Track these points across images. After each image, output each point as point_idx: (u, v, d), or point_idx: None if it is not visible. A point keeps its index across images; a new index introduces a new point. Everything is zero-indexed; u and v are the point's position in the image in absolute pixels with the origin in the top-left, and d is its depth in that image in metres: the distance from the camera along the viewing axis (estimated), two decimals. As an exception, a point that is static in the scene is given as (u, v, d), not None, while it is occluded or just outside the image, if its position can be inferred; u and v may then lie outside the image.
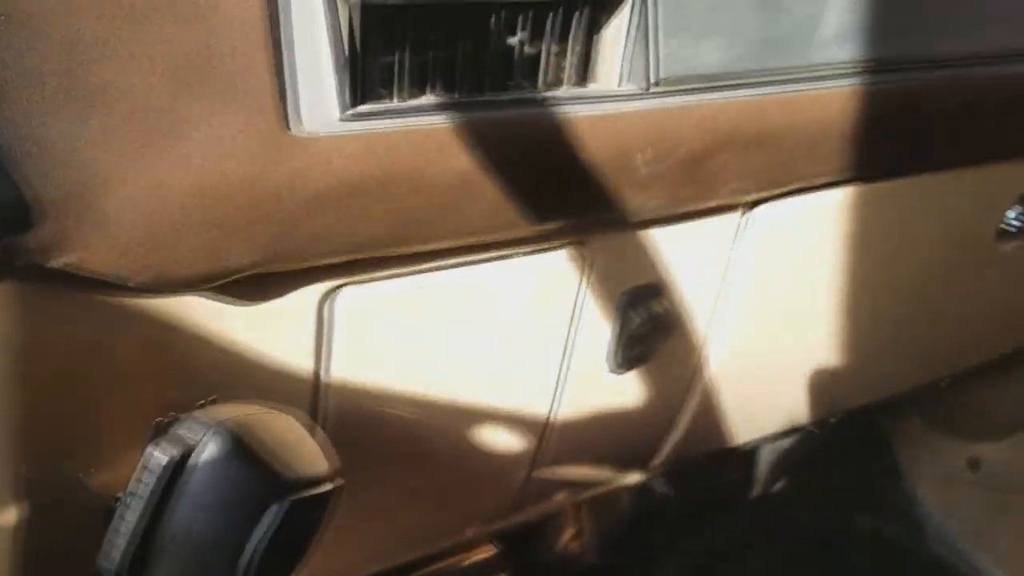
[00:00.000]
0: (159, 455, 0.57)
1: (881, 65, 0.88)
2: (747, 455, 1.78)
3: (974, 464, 1.83)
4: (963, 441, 1.84)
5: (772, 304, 1.08)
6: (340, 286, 0.77)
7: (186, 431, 0.60)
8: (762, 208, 0.96)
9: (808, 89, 0.85)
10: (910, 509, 1.88)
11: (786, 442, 1.83)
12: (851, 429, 1.92)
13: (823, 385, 1.29)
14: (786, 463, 1.83)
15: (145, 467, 0.58)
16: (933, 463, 1.87)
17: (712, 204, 0.89)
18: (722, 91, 0.80)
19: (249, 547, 0.57)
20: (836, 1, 0.84)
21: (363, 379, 0.84)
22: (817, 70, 0.85)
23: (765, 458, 1.80)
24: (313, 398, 0.82)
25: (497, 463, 1.04)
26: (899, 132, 0.94)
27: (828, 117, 0.87)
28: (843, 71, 0.86)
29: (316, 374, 0.81)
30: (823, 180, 0.96)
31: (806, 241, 1.04)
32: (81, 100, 0.54)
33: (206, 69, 0.58)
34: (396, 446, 0.93)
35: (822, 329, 1.18)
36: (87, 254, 0.57)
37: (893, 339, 1.31)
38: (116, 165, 0.56)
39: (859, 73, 0.87)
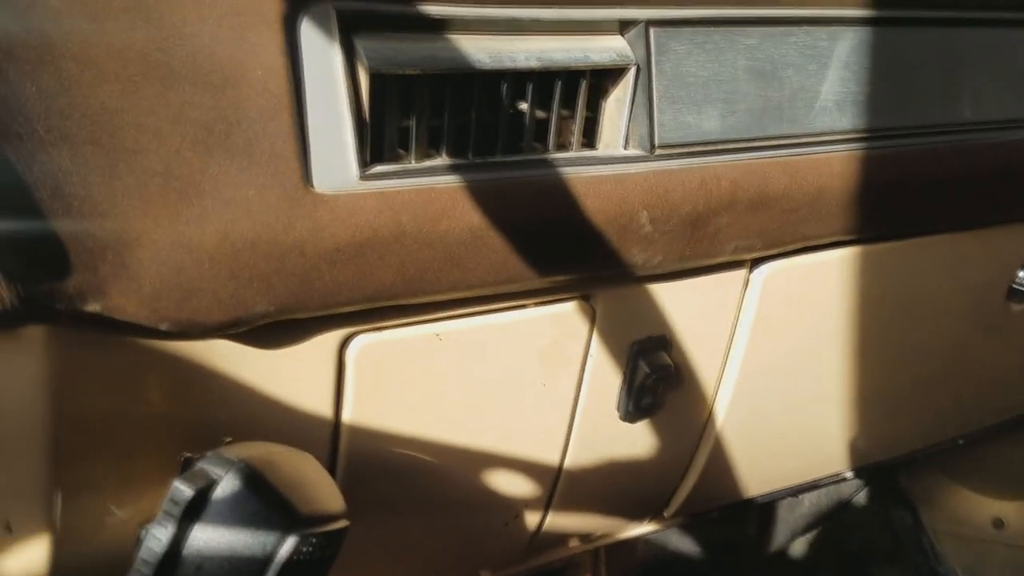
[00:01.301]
0: (184, 488, 0.62)
1: (880, 131, 0.92)
2: (764, 509, 1.78)
3: (999, 523, 1.81)
4: (987, 499, 1.82)
5: (781, 358, 1.10)
6: (356, 333, 0.81)
7: (210, 466, 0.64)
8: (769, 265, 0.99)
9: (808, 153, 0.89)
10: (934, 567, 1.86)
11: (805, 497, 1.82)
12: (873, 485, 1.91)
13: (836, 440, 1.30)
14: (805, 518, 1.82)
15: (171, 499, 0.62)
16: (957, 521, 1.85)
17: (718, 261, 0.92)
18: (723, 155, 0.85)
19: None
20: (834, 71, 0.88)
21: (377, 423, 0.88)
22: (816, 136, 0.89)
23: (783, 513, 1.80)
24: (330, 441, 0.85)
25: (509, 510, 1.07)
26: (900, 195, 0.97)
27: (828, 180, 0.90)
28: (842, 137, 0.90)
29: (333, 418, 0.84)
30: (827, 239, 0.98)
31: (813, 297, 1.06)
32: (112, 163, 0.59)
33: (232, 133, 0.64)
34: (409, 490, 0.96)
35: (832, 384, 1.19)
36: (118, 302, 0.62)
37: (906, 396, 1.31)
38: (145, 222, 0.61)
39: (858, 139, 0.91)
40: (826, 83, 0.88)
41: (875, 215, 0.97)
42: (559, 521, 1.13)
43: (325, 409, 0.83)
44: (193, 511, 0.62)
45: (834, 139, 0.90)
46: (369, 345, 0.82)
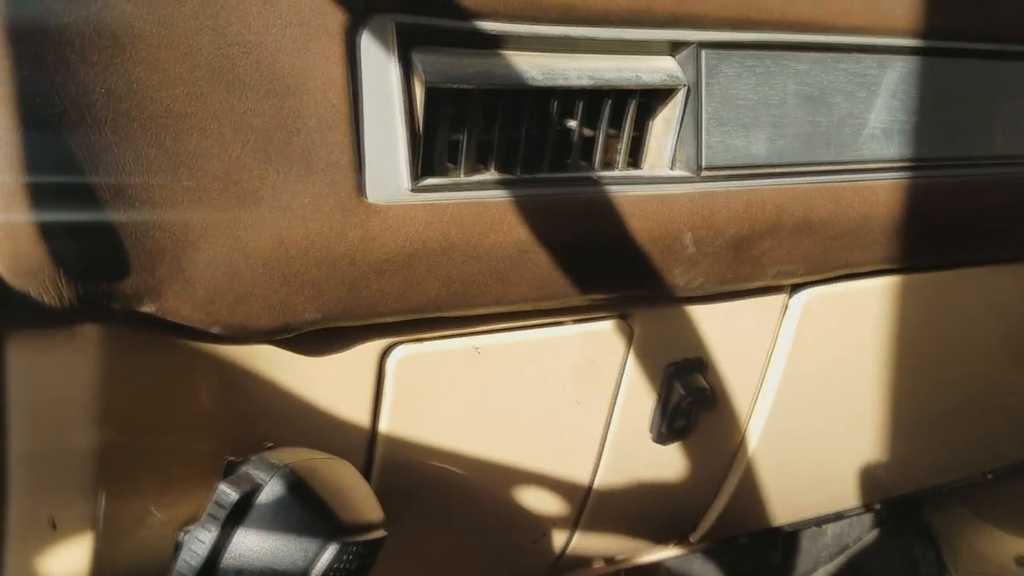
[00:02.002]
0: (230, 491, 0.62)
1: (925, 161, 0.92)
2: (789, 538, 1.76)
3: (1022, 561, 1.78)
4: (1011, 537, 1.79)
5: (816, 386, 1.10)
6: (397, 343, 0.82)
7: (254, 470, 0.64)
8: (808, 291, 0.99)
9: (853, 180, 0.89)
10: (956, 604, 1.83)
11: (829, 527, 1.80)
12: (896, 518, 1.88)
13: (866, 471, 1.28)
14: (828, 549, 1.80)
15: (216, 502, 0.62)
16: (979, 557, 1.82)
17: (758, 285, 0.92)
18: (769, 179, 0.85)
19: (304, 583, 0.61)
20: (883, 100, 0.88)
21: (413, 434, 0.88)
22: (863, 163, 0.89)
23: (807, 543, 1.78)
24: (366, 450, 0.86)
25: (538, 527, 1.06)
26: (943, 226, 0.97)
27: (873, 208, 0.90)
28: (888, 165, 0.90)
29: (370, 427, 0.85)
30: (869, 268, 0.98)
31: (852, 325, 1.06)
32: (175, 166, 0.60)
33: (291, 141, 0.64)
34: (440, 503, 0.95)
35: (866, 413, 1.18)
36: (172, 304, 0.63)
37: (937, 429, 1.30)
38: (203, 226, 0.62)
39: (904, 167, 0.91)
40: (874, 111, 0.88)
41: (918, 245, 0.96)
42: (586, 541, 1.12)
43: (363, 418, 0.84)
44: (237, 515, 0.62)
45: (880, 167, 0.90)
46: (409, 356, 0.83)
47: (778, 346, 1.03)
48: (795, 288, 0.99)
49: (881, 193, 0.90)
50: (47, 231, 0.55)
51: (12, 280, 0.56)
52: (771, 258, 0.88)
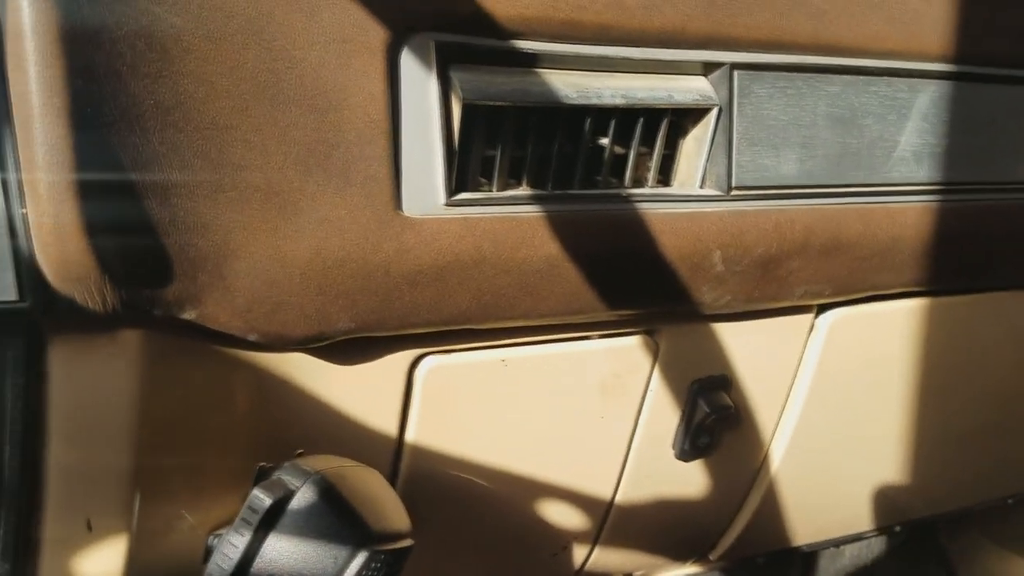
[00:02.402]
0: (264, 496, 0.63)
1: (954, 184, 0.92)
2: (807, 558, 1.75)
3: (1040, 588, 1.76)
4: (1029, 563, 1.77)
5: (839, 406, 1.10)
6: (426, 354, 0.83)
7: (287, 476, 0.65)
8: (835, 311, 0.99)
9: (883, 202, 0.89)
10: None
11: (847, 548, 1.79)
12: (913, 542, 1.87)
13: (886, 492, 1.28)
14: (846, 571, 1.79)
15: (250, 507, 0.63)
16: (996, 584, 1.80)
17: (784, 304, 0.92)
18: (798, 199, 0.85)
19: (333, 590, 0.62)
20: (913, 123, 0.88)
21: (439, 445, 0.89)
22: (892, 185, 0.90)
23: (824, 563, 1.77)
24: (392, 459, 0.86)
25: (558, 541, 1.07)
26: (971, 249, 0.97)
27: (901, 230, 0.90)
28: (918, 188, 0.90)
29: (397, 436, 0.85)
30: (896, 289, 0.98)
31: (877, 347, 1.06)
32: (219, 177, 0.62)
33: (332, 154, 0.66)
34: (462, 513, 0.96)
35: (888, 435, 1.18)
36: (212, 311, 0.64)
37: (959, 452, 1.29)
38: (244, 235, 0.63)
39: (934, 191, 0.91)
40: (904, 134, 0.88)
41: (946, 268, 0.96)
42: (605, 557, 1.13)
43: (390, 427, 0.85)
44: (269, 520, 0.63)
45: (910, 189, 0.90)
46: (437, 367, 0.84)
47: (803, 366, 1.03)
48: (822, 308, 1.00)
49: (910, 215, 0.90)
50: (95, 238, 0.57)
51: (58, 285, 0.58)
52: (799, 278, 0.88)
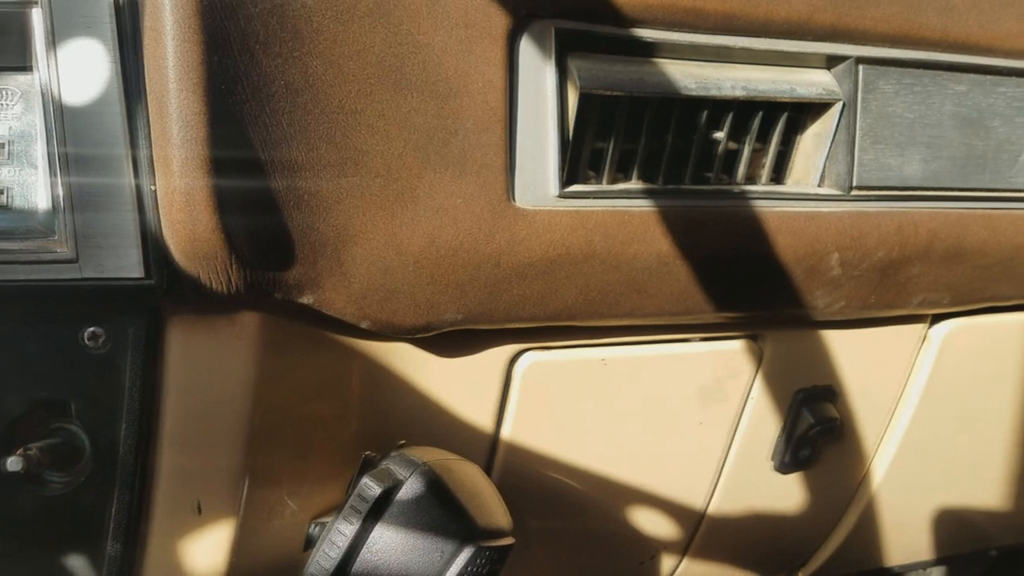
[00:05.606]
0: (374, 485, 0.62)
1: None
2: (895, 581, 1.69)
3: None
4: None
5: (948, 422, 1.05)
6: (526, 350, 0.81)
7: (395, 466, 0.64)
8: (950, 322, 0.95)
9: (1008, 208, 0.85)
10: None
11: (932, 570, 1.72)
12: (999, 568, 1.78)
13: (983, 515, 1.22)
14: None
15: (359, 495, 0.62)
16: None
17: (900, 313, 0.88)
18: (923, 201, 0.81)
19: (440, 583, 0.61)
20: (1046, 124, 0.84)
21: (534, 442, 0.87)
22: (1018, 192, 0.85)
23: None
24: (487, 454, 0.85)
25: (646, 549, 1.04)
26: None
27: (1029, 239, 0.85)
28: (1050, 195, 0.86)
29: (493, 431, 0.84)
30: (1015, 301, 0.93)
31: (991, 361, 1.00)
32: (342, 161, 0.61)
33: (450, 142, 0.65)
34: (552, 514, 0.94)
35: (995, 455, 1.12)
36: (329, 296, 0.63)
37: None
38: (364, 221, 0.63)
39: (1066, 198, 0.86)
40: (1035, 136, 0.84)
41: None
42: (693, 568, 1.09)
43: (487, 422, 0.83)
44: (377, 510, 0.62)
45: (1039, 196, 0.85)
46: (537, 363, 0.82)
47: (913, 378, 0.98)
48: (936, 318, 0.95)
49: (1039, 224, 0.85)
50: (224, 216, 0.56)
51: (185, 264, 0.58)
52: (918, 285, 0.84)
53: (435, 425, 0.80)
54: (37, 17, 0.56)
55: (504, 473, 0.87)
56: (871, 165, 0.78)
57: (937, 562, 1.37)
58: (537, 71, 0.68)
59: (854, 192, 0.78)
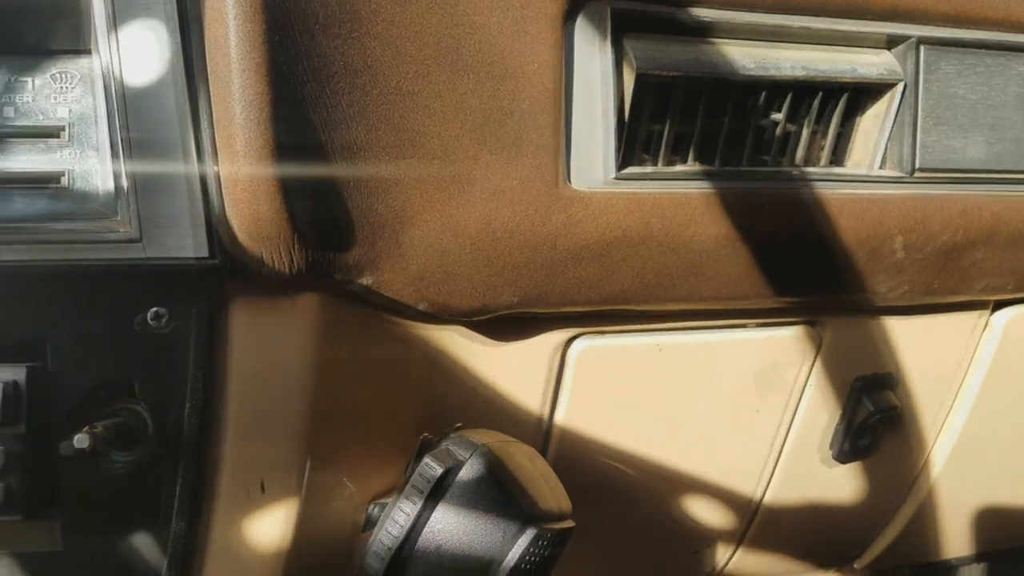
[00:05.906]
0: (435, 464, 0.62)
1: None
2: (950, 572, 1.65)
3: None
4: None
5: (1009, 411, 1.02)
6: (580, 335, 0.81)
7: (455, 447, 0.64)
8: (1012, 309, 0.92)
9: (1078, 190, 0.83)
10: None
11: (985, 563, 1.68)
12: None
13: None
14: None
15: (420, 474, 0.63)
16: None
17: (962, 299, 0.86)
18: (986, 184, 0.79)
19: (500, 565, 0.61)
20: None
21: (587, 428, 0.87)
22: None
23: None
24: (541, 439, 0.85)
25: (701, 538, 1.03)
26: None
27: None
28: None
29: (547, 416, 0.84)
30: (1083, 287, 0.91)
31: (1055, 349, 0.98)
32: (400, 142, 0.61)
33: (505, 123, 0.65)
34: (606, 501, 0.94)
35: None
36: (387, 278, 0.64)
37: None
38: (421, 202, 0.63)
39: None
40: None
41: None
42: (747, 558, 1.08)
43: (541, 407, 0.83)
44: (438, 490, 0.63)
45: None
46: (591, 348, 0.82)
47: (974, 366, 0.96)
48: (998, 305, 0.93)
49: (1109, 206, 0.83)
50: (287, 197, 0.57)
51: (248, 243, 0.59)
52: (982, 270, 0.82)
53: (490, 409, 0.80)
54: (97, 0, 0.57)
55: (557, 459, 0.87)
56: (934, 147, 0.77)
57: (994, 555, 1.34)
58: (592, 52, 0.67)
59: (917, 174, 0.77)
